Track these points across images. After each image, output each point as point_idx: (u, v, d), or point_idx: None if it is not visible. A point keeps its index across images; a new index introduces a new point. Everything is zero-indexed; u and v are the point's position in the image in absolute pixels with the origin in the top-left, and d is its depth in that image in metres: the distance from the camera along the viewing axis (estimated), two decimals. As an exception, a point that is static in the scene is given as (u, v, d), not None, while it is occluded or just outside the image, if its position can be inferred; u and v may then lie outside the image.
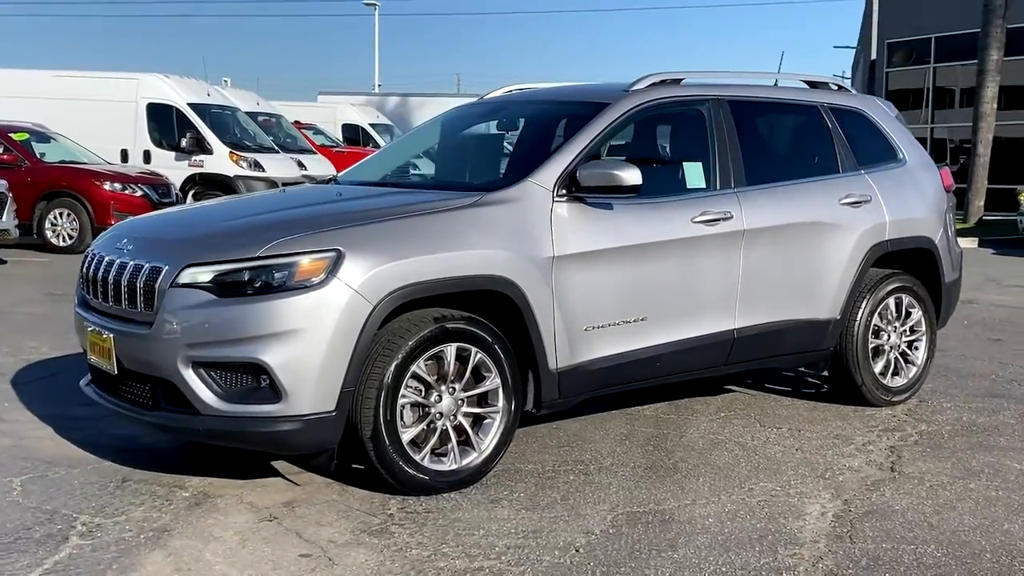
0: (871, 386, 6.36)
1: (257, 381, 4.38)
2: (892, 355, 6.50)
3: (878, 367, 6.41)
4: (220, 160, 18.43)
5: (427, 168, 6.65)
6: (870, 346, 6.35)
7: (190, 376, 4.42)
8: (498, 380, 4.81)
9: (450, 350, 4.68)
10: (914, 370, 6.58)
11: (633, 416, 6.13)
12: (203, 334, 4.39)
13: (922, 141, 20.48)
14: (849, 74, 70.23)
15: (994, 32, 20.19)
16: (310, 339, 4.35)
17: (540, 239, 4.93)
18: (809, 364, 6.65)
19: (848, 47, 72.13)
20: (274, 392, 4.36)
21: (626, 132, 5.74)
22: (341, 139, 28.80)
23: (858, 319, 6.25)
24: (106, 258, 4.89)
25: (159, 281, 4.52)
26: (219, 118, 19.27)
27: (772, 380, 7.17)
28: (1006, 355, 8.25)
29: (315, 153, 22.01)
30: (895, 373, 6.49)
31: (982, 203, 20.80)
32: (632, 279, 5.27)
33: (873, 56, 31.91)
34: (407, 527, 4.33)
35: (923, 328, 6.62)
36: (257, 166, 18.42)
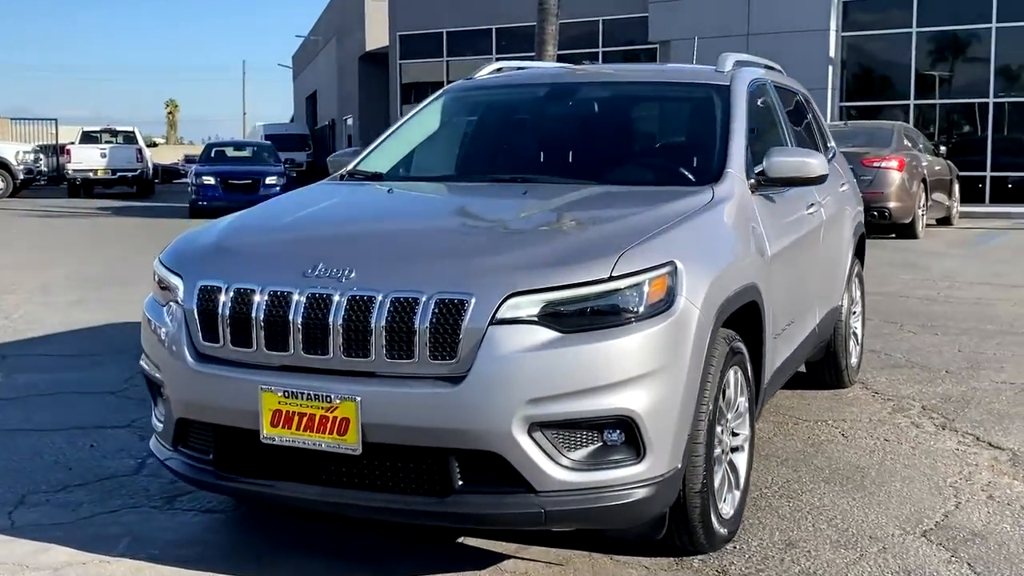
0: (850, 369, 6.54)
1: (603, 439, 3.39)
2: (857, 335, 6.76)
3: (855, 348, 6.64)
4: None
5: (445, 158, 5.47)
6: (851, 330, 6.53)
7: (526, 442, 3.30)
8: (746, 403, 4.20)
9: (733, 375, 3.99)
10: (858, 347, 6.90)
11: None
12: (549, 385, 3.30)
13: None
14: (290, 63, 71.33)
15: (549, 29, 21.57)
16: (669, 378, 3.46)
17: (760, 238, 4.39)
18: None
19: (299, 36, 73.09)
20: (634, 451, 3.41)
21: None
22: None
23: (846, 304, 6.39)
24: (303, 293, 3.47)
25: (466, 318, 3.30)
26: None
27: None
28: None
29: None
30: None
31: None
32: (793, 278, 4.91)
33: (374, 47, 32.81)
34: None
35: (861, 305, 6.97)
36: None
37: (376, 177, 5.10)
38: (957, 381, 6.81)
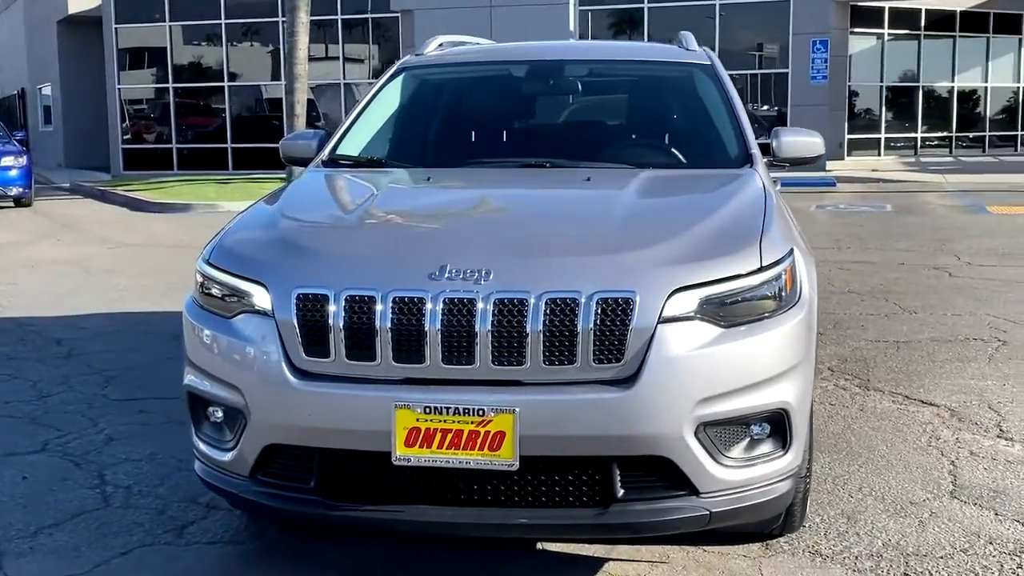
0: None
1: (750, 434, 3.32)
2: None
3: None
4: None
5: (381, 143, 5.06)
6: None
7: (694, 444, 3.18)
8: None
9: None
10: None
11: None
12: (718, 383, 3.19)
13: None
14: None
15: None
16: (806, 366, 3.44)
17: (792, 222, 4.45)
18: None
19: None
20: (780, 444, 3.37)
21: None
22: None
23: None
24: (437, 298, 3.15)
25: (634, 317, 3.12)
26: None
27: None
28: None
29: None
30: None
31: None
32: None
33: (79, 9, 30.52)
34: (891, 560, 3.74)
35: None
36: None
37: (376, 164, 4.72)
38: (835, 342, 7.20)
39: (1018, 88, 32.24)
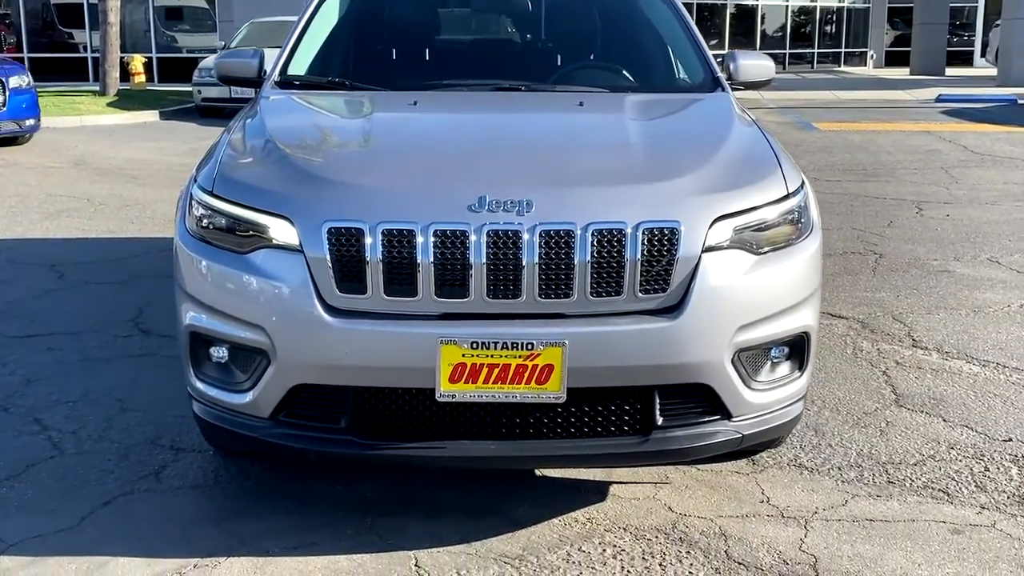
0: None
1: (770, 357, 3.42)
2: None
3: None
4: None
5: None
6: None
7: (731, 370, 3.25)
8: None
9: None
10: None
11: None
12: (755, 310, 3.25)
13: None
14: None
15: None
16: (819, 291, 3.55)
17: None
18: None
19: None
20: (797, 366, 3.48)
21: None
22: None
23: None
24: (481, 230, 3.06)
25: (680, 247, 3.13)
26: None
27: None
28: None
29: None
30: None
31: (117, 74, 20.30)
32: None
33: None
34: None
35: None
36: None
37: (338, 86, 4.49)
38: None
39: (814, 6, 33.74)
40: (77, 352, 5.29)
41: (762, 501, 3.70)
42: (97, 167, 12.22)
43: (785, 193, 3.36)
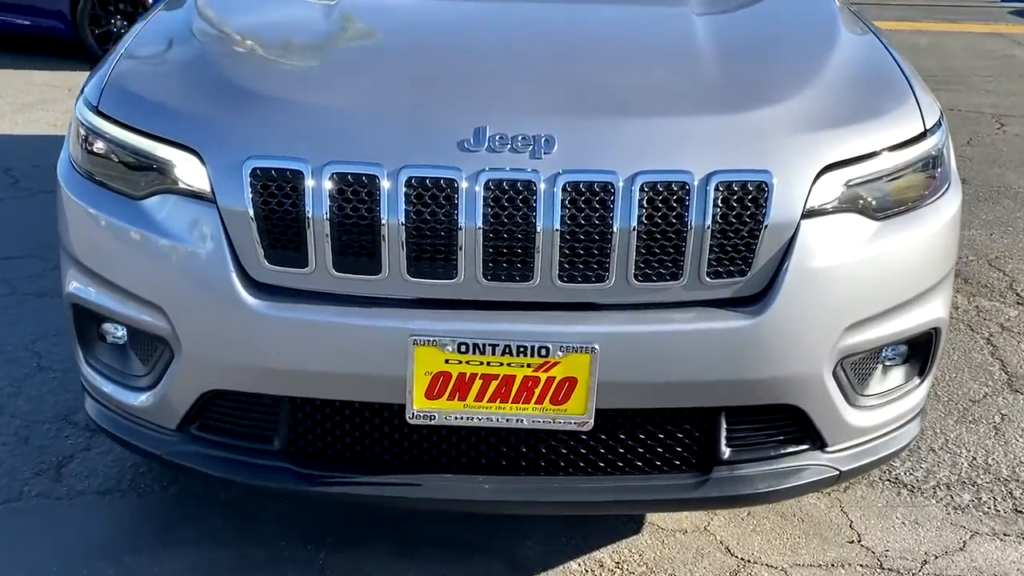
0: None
1: (881, 359, 2.43)
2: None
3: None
4: None
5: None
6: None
7: (831, 385, 2.26)
8: None
9: None
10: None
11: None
12: (871, 301, 2.25)
13: None
14: None
15: None
16: (953, 274, 2.54)
17: None
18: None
19: None
20: (918, 370, 2.49)
21: None
22: None
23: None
24: (477, 178, 2.06)
25: (769, 209, 2.12)
26: None
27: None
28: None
29: None
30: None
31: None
32: None
33: None
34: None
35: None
36: None
37: None
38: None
39: None
40: (5, 284, 4.37)
41: (852, 541, 2.76)
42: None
43: (921, 130, 2.34)
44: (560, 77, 2.41)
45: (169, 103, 2.28)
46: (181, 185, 2.19)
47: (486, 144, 2.10)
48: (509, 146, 2.10)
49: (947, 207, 2.38)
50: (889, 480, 3.06)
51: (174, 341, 2.21)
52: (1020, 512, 2.93)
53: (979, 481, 3.08)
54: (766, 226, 2.11)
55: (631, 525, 2.77)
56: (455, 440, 2.23)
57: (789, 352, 2.16)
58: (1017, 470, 3.13)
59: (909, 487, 3.03)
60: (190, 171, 2.17)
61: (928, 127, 2.35)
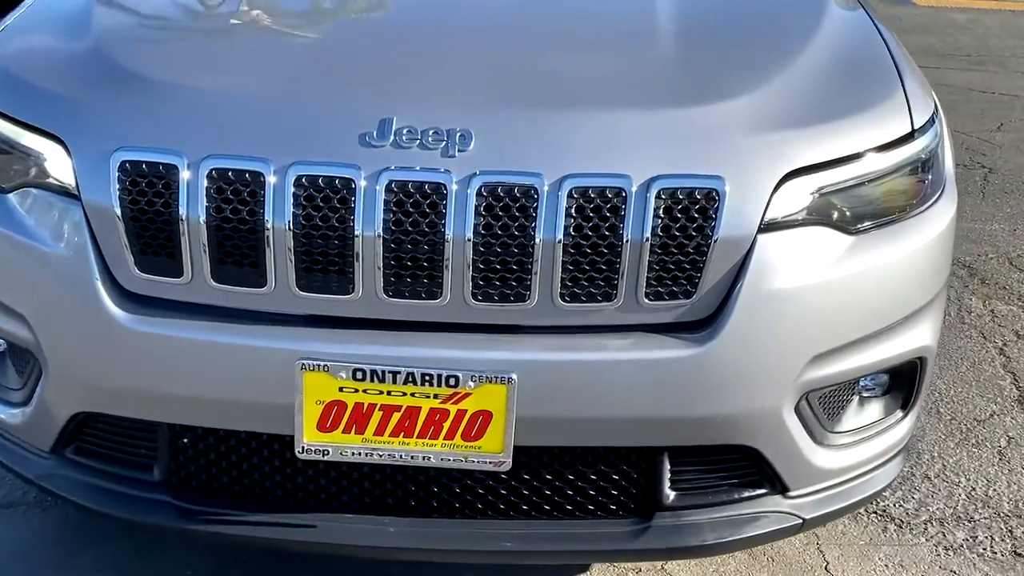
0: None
1: (858, 390, 2.13)
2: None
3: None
4: None
5: None
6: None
7: (793, 423, 1.96)
8: None
9: None
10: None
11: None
12: (841, 328, 1.95)
13: None
14: None
15: None
16: (945, 293, 2.23)
17: None
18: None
19: None
20: (901, 402, 2.19)
21: None
22: None
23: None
24: (378, 178, 1.77)
25: (720, 221, 1.81)
26: None
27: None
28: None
29: None
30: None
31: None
32: None
33: None
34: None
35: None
36: None
37: None
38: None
39: None
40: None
41: (825, 586, 2.46)
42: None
43: (909, 130, 2.01)
44: (486, 63, 2.10)
45: (37, 84, 2.00)
46: (48, 179, 1.91)
47: (391, 139, 1.80)
48: (418, 141, 1.80)
49: (938, 218, 2.06)
50: (876, 512, 2.76)
51: (40, 355, 1.94)
52: (1019, 555, 2.62)
53: (976, 516, 2.77)
54: (715, 240, 1.81)
55: (578, 564, 2.49)
56: (357, 476, 1.96)
57: (741, 386, 1.86)
58: (1020, 504, 2.82)
59: (897, 521, 2.73)
60: (55, 162, 1.90)
61: (917, 126, 2.03)
